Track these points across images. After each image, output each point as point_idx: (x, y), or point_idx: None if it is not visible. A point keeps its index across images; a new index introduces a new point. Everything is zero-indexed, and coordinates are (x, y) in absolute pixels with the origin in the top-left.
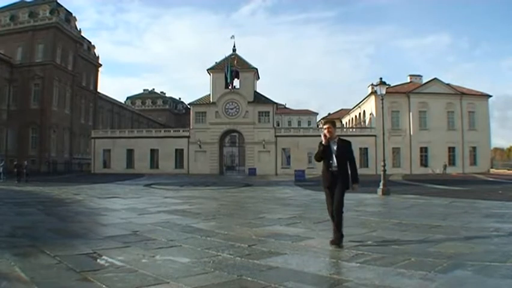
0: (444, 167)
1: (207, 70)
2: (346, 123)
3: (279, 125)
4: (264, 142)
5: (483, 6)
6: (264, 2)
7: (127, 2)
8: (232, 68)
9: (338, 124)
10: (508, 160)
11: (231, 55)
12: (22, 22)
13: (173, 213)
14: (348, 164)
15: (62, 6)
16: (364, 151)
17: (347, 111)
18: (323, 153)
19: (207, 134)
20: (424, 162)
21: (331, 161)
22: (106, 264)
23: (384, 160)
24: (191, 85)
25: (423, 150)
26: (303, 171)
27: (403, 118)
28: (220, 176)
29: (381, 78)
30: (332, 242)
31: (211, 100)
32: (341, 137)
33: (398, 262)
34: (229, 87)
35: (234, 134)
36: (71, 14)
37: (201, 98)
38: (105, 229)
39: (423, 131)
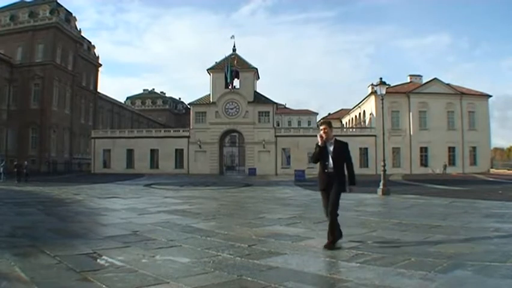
0: (444, 167)
1: (207, 70)
2: (346, 123)
3: (279, 125)
4: (264, 142)
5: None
6: (264, 2)
7: (127, 2)
8: (232, 68)
9: (338, 124)
10: (508, 160)
11: (231, 55)
12: (22, 22)
13: (173, 213)
14: (345, 165)
15: (62, 6)
16: (364, 151)
17: (347, 111)
18: (319, 155)
19: (207, 134)
20: (424, 162)
21: (327, 162)
22: (106, 264)
23: (384, 160)
24: (191, 85)
25: (423, 150)
26: (303, 171)
27: (403, 118)
28: (220, 176)
29: (381, 78)
30: (326, 247)
31: (211, 100)
32: (338, 138)
33: (398, 262)
34: (229, 87)
35: (234, 134)
36: (71, 14)
37: (201, 98)
38: (105, 229)
39: (423, 131)
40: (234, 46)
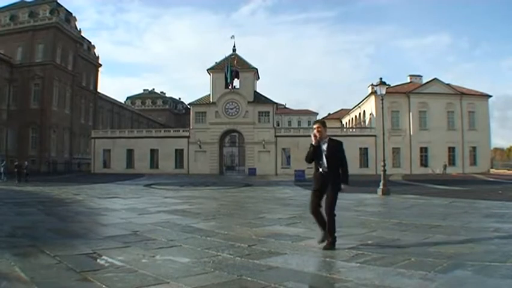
0: (444, 167)
1: (207, 70)
2: (346, 123)
3: (279, 125)
4: (264, 142)
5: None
6: (264, 2)
7: (127, 2)
8: (232, 68)
9: (338, 124)
10: (508, 160)
11: (231, 55)
12: (22, 22)
13: (173, 213)
14: (339, 165)
15: (62, 6)
16: (364, 151)
17: (347, 111)
18: (313, 154)
19: (206, 134)
20: (424, 162)
21: (321, 162)
22: (106, 264)
23: (384, 160)
24: (191, 85)
25: (423, 150)
26: (303, 171)
27: (403, 118)
28: (220, 176)
29: (381, 78)
30: (325, 248)
31: (211, 100)
32: (332, 137)
33: (398, 262)
34: (229, 87)
35: (234, 134)
36: (71, 14)
37: (201, 98)
38: (105, 229)
39: (423, 131)
40: (234, 46)
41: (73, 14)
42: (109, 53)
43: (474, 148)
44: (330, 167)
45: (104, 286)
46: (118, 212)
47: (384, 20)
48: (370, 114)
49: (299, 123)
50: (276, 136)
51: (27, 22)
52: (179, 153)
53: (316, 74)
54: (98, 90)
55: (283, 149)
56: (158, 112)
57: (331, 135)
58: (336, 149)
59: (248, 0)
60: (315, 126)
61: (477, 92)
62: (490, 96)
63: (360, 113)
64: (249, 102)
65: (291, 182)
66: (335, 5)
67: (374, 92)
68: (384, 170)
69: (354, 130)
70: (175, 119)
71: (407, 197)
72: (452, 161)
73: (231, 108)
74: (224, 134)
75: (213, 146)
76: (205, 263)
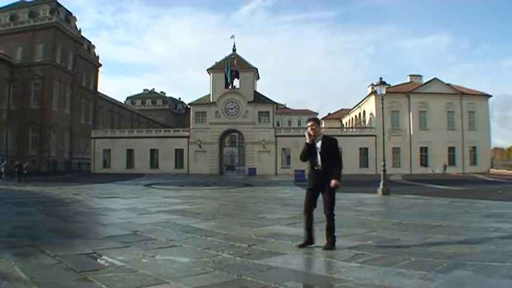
0: (444, 167)
1: (207, 70)
2: (346, 123)
3: (279, 125)
4: (264, 142)
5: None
6: (264, 2)
7: (127, 2)
8: (232, 68)
9: (338, 124)
10: (508, 160)
11: (231, 55)
12: (22, 22)
13: (173, 213)
14: (334, 162)
15: (62, 6)
16: (364, 151)
17: (347, 111)
18: (308, 152)
19: (206, 134)
20: (424, 162)
21: (315, 160)
22: (106, 264)
23: (384, 160)
24: (191, 85)
25: (423, 150)
26: (303, 171)
27: (403, 118)
28: (220, 176)
29: (381, 78)
30: (325, 248)
31: (211, 100)
32: (326, 135)
33: (398, 262)
34: (229, 87)
35: (234, 134)
36: (71, 14)
37: (201, 98)
38: (105, 229)
39: (423, 131)
40: (234, 46)
41: (73, 14)
42: (109, 53)
43: (474, 148)
44: (324, 165)
45: (104, 286)
46: (118, 212)
47: (384, 20)
48: (370, 114)
49: (299, 123)
50: (276, 136)
51: (27, 22)
52: (179, 153)
53: (316, 74)
54: (98, 90)
55: (283, 149)
56: (158, 112)
57: (331, 135)
58: (330, 146)
59: (248, 0)
60: (309, 124)
61: (477, 92)
62: (490, 96)
63: (360, 113)
64: (249, 102)
65: (291, 182)
66: (335, 5)
67: (374, 92)
68: (384, 170)
69: (354, 130)
70: (175, 119)
71: (407, 197)
72: (452, 161)
73: (231, 108)
74: (224, 134)
75: (213, 146)
76: (205, 263)
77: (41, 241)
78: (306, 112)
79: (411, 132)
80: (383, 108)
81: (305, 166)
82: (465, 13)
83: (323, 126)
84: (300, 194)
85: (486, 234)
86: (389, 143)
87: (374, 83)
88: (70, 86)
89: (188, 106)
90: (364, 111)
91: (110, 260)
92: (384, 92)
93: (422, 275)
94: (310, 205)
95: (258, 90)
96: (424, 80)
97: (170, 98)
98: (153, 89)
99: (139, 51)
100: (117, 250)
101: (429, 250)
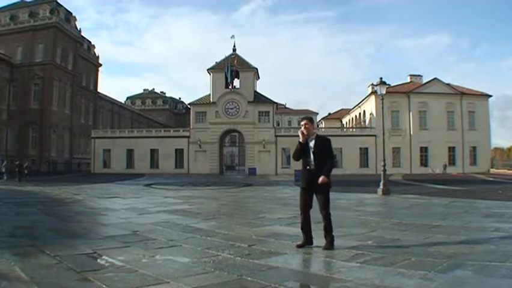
0: (445, 166)
1: (207, 70)
2: (346, 123)
3: (279, 125)
4: (264, 142)
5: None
6: (264, 2)
7: (127, 2)
8: (232, 68)
9: (338, 124)
10: (508, 160)
11: (231, 55)
12: (22, 22)
13: (173, 213)
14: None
15: (62, 6)
16: (364, 151)
17: (347, 111)
18: (301, 151)
19: (207, 134)
20: (424, 162)
21: (308, 159)
22: (106, 264)
23: (384, 160)
24: (191, 85)
25: (423, 150)
26: None
27: (403, 118)
28: (220, 175)
29: (381, 78)
30: (325, 248)
31: (211, 100)
32: (319, 134)
33: (398, 262)
34: (229, 87)
35: (234, 133)
36: (71, 13)
37: (201, 98)
38: (105, 229)
39: (423, 130)
40: (234, 46)
41: (73, 14)
42: (109, 53)
43: (474, 148)
44: (317, 164)
45: (104, 286)
46: (118, 211)
47: (384, 20)
48: (370, 114)
49: (299, 123)
50: (276, 136)
51: (27, 22)
52: (179, 153)
53: (316, 74)
54: (98, 90)
55: (283, 149)
56: (158, 112)
57: (331, 135)
58: (324, 146)
59: (248, 0)
60: (302, 122)
61: (477, 91)
62: (490, 96)
63: (360, 113)
64: (249, 102)
65: (291, 182)
66: (335, 5)
67: (374, 92)
68: (384, 170)
69: (354, 130)
70: (175, 119)
71: (407, 197)
72: (452, 161)
73: (231, 108)
74: (224, 133)
75: (213, 145)
76: (205, 262)
77: (41, 241)
78: (306, 112)
79: (411, 132)
80: (383, 108)
81: None
82: (465, 13)
83: (323, 126)
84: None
85: (486, 234)
86: (389, 143)
87: (374, 83)
88: (70, 86)
89: (189, 106)
90: (364, 111)
91: (110, 260)
92: (384, 92)
93: (422, 275)
94: (306, 206)
95: (258, 90)
96: (424, 80)
97: (171, 98)
98: (153, 89)
99: (139, 51)
100: (117, 250)
101: (429, 250)
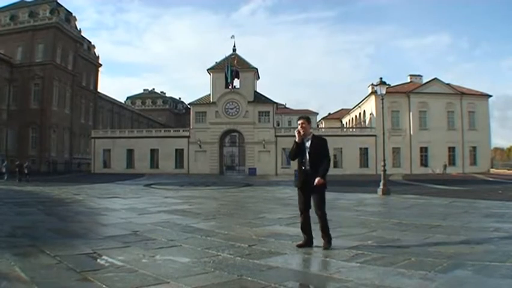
0: (445, 167)
1: (207, 70)
2: (346, 123)
3: (279, 125)
4: (264, 142)
5: (483, 6)
6: (264, 2)
7: (127, 2)
8: (232, 68)
9: (338, 124)
10: (508, 160)
11: (231, 55)
12: (22, 22)
13: (174, 213)
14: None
15: (62, 6)
16: (364, 151)
17: (347, 111)
18: (296, 151)
19: (207, 134)
20: (424, 162)
21: (304, 160)
22: (106, 264)
23: (384, 160)
24: (191, 85)
25: (423, 150)
26: None
27: (403, 118)
28: (220, 175)
29: (381, 78)
30: (324, 248)
31: (211, 100)
32: (315, 134)
33: (398, 262)
34: (229, 87)
35: (234, 133)
36: (71, 13)
37: (201, 98)
38: (105, 229)
39: (424, 130)
40: (234, 46)
41: (73, 14)
42: (109, 53)
43: (474, 148)
44: (312, 165)
45: (104, 286)
46: (118, 212)
47: (384, 20)
48: (370, 114)
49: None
50: (276, 136)
51: (27, 22)
52: (179, 153)
53: (316, 74)
54: (98, 90)
55: (284, 149)
56: (158, 112)
57: (332, 135)
58: (320, 146)
59: (248, 0)
60: (299, 122)
61: (477, 92)
62: (490, 96)
63: (360, 113)
64: (249, 102)
65: (291, 182)
66: (335, 5)
67: (374, 92)
68: (384, 170)
69: (354, 130)
70: (175, 119)
71: (407, 197)
72: (452, 161)
73: (231, 108)
74: (224, 133)
75: (213, 145)
76: (205, 263)
77: (41, 241)
78: (306, 112)
79: (412, 132)
80: (383, 108)
81: None
82: (465, 13)
83: (323, 126)
84: None
85: (486, 234)
86: (389, 143)
87: (374, 83)
88: (70, 86)
89: (189, 106)
90: (364, 111)
91: (110, 260)
92: (384, 92)
93: (422, 275)
94: (304, 206)
95: (258, 90)
96: (424, 80)
97: (171, 98)
98: (153, 89)
99: (139, 51)
100: (117, 250)
101: (429, 250)
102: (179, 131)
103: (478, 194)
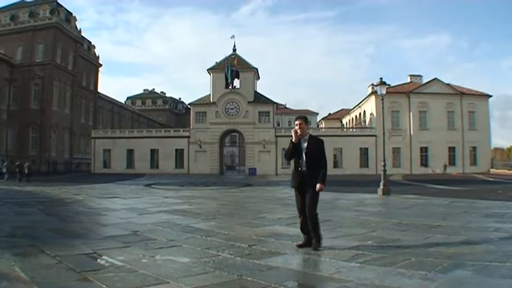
0: (445, 167)
1: (207, 70)
2: (346, 123)
3: (279, 125)
4: (264, 142)
5: (483, 6)
6: (264, 2)
7: (127, 2)
8: (232, 68)
9: (338, 124)
10: (508, 160)
11: (231, 55)
12: (22, 22)
13: (174, 213)
14: (319, 163)
15: (62, 6)
16: (364, 151)
17: (347, 111)
18: (293, 151)
19: (207, 134)
20: (424, 162)
21: (300, 160)
22: (106, 264)
23: (384, 160)
24: (191, 85)
25: (424, 150)
26: None
27: (403, 118)
28: (220, 176)
29: (381, 78)
30: (314, 249)
31: (211, 100)
32: (312, 135)
33: (398, 262)
34: (230, 87)
35: (234, 134)
36: (71, 13)
37: (201, 98)
38: (105, 229)
39: (424, 131)
40: (234, 46)
41: (73, 14)
42: (109, 53)
43: (474, 148)
44: (309, 165)
45: (104, 286)
46: (118, 212)
47: (384, 20)
48: (370, 114)
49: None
50: (276, 136)
51: (28, 22)
52: (179, 153)
53: (316, 74)
54: (98, 90)
55: (284, 149)
56: (158, 112)
57: (332, 135)
58: (317, 147)
59: (248, 0)
60: (297, 122)
61: (477, 92)
62: (490, 96)
63: (360, 113)
64: (249, 102)
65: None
66: (335, 5)
67: (374, 92)
68: (385, 170)
69: (354, 130)
70: (175, 119)
71: (407, 197)
72: (452, 161)
73: (231, 108)
74: (224, 134)
75: (213, 146)
76: (205, 263)
77: (41, 241)
78: (306, 112)
79: (412, 132)
80: (383, 108)
81: None
82: (465, 13)
83: (323, 126)
84: None
85: (486, 234)
86: (389, 143)
87: (374, 83)
88: (70, 86)
89: (189, 106)
90: (364, 111)
91: (110, 260)
92: (384, 92)
93: (422, 275)
94: (302, 207)
95: (258, 90)
96: (424, 80)
97: (171, 98)
98: (153, 89)
99: (139, 51)
100: (117, 250)
101: (429, 250)
102: (179, 131)
103: (478, 194)
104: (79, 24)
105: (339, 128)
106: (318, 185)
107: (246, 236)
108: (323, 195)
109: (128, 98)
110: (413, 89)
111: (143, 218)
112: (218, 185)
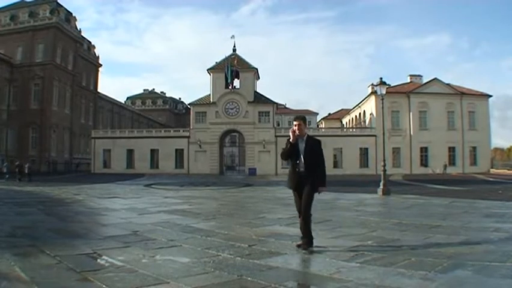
0: (445, 167)
1: (207, 70)
2: (346, 123)
3: (279, 125)
4: (264, 142)
5: (483, 6)
6: (264, 2)
7: (127, 2)
8: (232, 68)
9: (338, 124)
10: (508, 160)
11: (231, 55)
12: (22, 22)
13: (174, 213)
14: (317, 164)
15: (62, 6)
16: (364, 151)
17: (347, 111)
18: (290, 152)
19: (207, 134)
20: (424, 162)
21: (298, 161)
22: (106, 264)
23: (384, 160)
24: (191, 85)
25: (424, 150)
26: None
27: (403, 118)
28: (220, 176)
29: (381, 78)
30: (301, 247)
31: (211, 100)
32: (310, 135)
33: (398, 262)
34: (229, 87)
35: (234, 134)
36: (71, 14)
37: (201, 98)
38: (105, 229)
39: (424, 131)
40: (234, 46)
41: (73, 14)
42: (109, 53)
43: (474, 148)
44: (307, 166)
45: (104, 286)
46: (118, 212)
47: (384, 20)
48: (370, 114)
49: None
50: (276, 136)
51: (27, 22)
52: (179, 153)
53: (316, 74)
54: (98, 90)
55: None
56: (158, 112)
57: (332, 135)
58: (315, 147)
59: (248, 0)
60: (295, 122)
61: (477, 92)
62: (490, 96)
63: (360, 113)
64: (249, 102)
65: None
66: (335, 5)
67: (374, 92)
68: (385, 170)
69: (354, 130)
70: (175, 119)
71: (407, 197)
72: (452, 161)
73: (231, 108)
74: (224, 134)
75: (213, 146)
76: (205, 263)
77: (41, 241)
78: (306, 112)
79: (412, 132)
80: (383, 108)
81: None
82: (465, 13)
83: (323, 126)
84: None
85: (486, 234)
86: (389, 143)
87: (374, 83)
88: (70, 86)
89: (189, 106)
90: (364, 111)
91: (110, 260)
92: (384, 92)
93: (422, 275)
94: (301, 207)
95: (258, 90)
96: (424, 80)
97: (171, 98)
98: (153, 89)
99: (139, 51)
100: (117, 250)
101: (429, 250)
102: (179, 131)
103: (478, 194)
104: (79, 24)
105: (339, 128)
106: (321, 189)
107: (246, 236)
108: (322, 196)
109: (128, 98)
110: (413, 89)
111: (143, 218)
112: (218, 185)
